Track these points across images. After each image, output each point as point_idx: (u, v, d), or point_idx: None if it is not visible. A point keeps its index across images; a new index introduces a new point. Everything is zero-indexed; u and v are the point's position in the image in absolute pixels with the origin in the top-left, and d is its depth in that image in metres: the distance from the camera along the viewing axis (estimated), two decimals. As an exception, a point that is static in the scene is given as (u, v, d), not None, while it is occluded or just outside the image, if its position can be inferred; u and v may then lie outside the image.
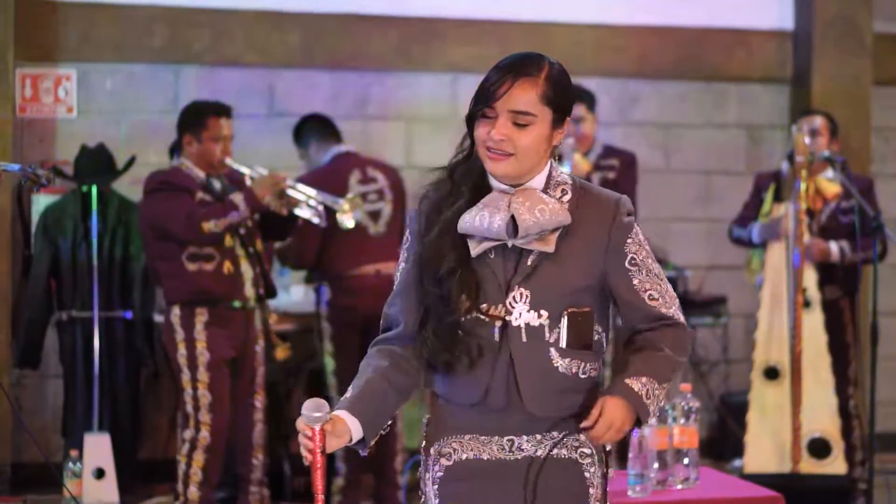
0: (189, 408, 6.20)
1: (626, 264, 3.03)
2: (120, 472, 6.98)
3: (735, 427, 7.81)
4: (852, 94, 8.50)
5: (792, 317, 6.56)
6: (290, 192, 6.37)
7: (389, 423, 3.11)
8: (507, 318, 2.97)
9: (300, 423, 2.90)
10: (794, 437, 6.52)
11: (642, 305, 3.04)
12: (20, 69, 7.55)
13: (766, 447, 6.58)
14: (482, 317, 2.98)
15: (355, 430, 2.99)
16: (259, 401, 6.49)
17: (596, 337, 3.04)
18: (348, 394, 3.04)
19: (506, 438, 3.02)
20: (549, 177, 3.05)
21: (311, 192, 6.50)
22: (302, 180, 6.72)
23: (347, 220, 6.64)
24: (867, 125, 8.57)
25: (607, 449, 3.13)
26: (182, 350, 6.20)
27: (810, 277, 6.68)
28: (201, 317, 6.20)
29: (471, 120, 3.04)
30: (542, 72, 2.98)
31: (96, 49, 7.83)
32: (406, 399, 3.13)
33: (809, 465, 6.54)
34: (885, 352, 7.38)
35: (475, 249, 2.98)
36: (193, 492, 6.18)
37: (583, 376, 3.02)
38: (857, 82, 8.56)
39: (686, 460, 4.62)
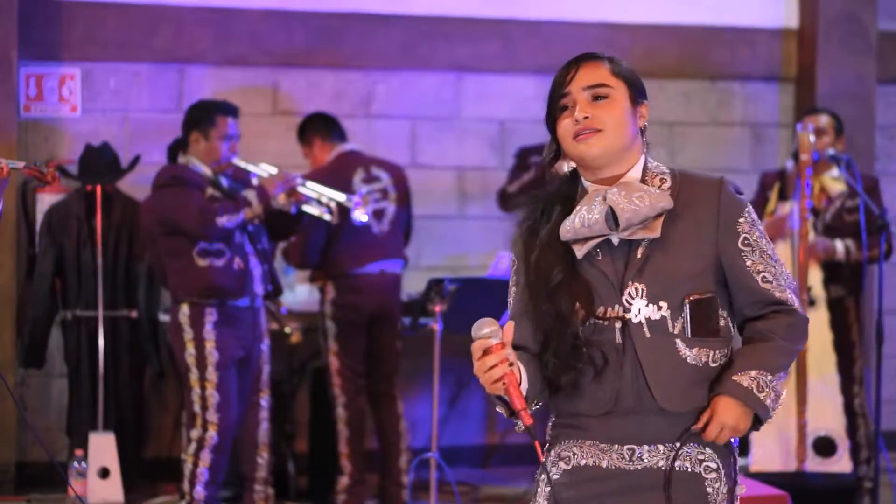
0: (197, 407, 6.20)
1: (740, 244, 2.94)
2: (125, 471, 6.99)
3: (740, 426, 7.80)
4: (857, 92, 8.49)
5: (797, 315, 6.54)
6: (301, 189, 6.39)
7: (539, 403, 2.99)
8: (626, 315, 2.88)
9: (477, 345, 2.75)
10: (800, 435, 6.51)
11: (755, 287, 2.94)
12: (24, 68, 7.55)
13: (771, 446, 6.57)
14: (601, 321, 2.90)
15: (524, 379, 2.85)
16: (264, 400, 6.49)
17: (722, 322, 2.95)
18: None
19: (626, 447, 2.93)
20: (645, 168, 3.00)
21: (322, 189, 6.51)
22: (306, 179, 6.73)
23: (361, 216, 6.66)
24: (872, 123, 8.56)
25: (734, 461, 3.02)
26: (191, 349, 6.19)
27: (815, 276, 6.68)
28: (210, 316, 6.20)
29: (552, 123, 3.01)
30: (604, 57, 3.02)
31: (100, 48, 7.83)
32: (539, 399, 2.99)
33: (815, 464, 6.54)
34: (890, 350, 7.39)
35: (581, 251, 2.91)
36: (199, 491, 6.18)
37: (713, 365, 2.92)
38: (862, 81, 8.55)
39: (692, 459, 4.61)
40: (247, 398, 6.40)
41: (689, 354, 2.90)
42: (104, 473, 6.86)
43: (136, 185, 7.51)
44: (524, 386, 2.84)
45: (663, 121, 8.53)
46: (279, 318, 6.82)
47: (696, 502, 2.93)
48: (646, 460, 2.92)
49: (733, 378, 2.89)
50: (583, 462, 2.96)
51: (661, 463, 2.92)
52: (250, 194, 6.20)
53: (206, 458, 6.19)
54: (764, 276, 2.94)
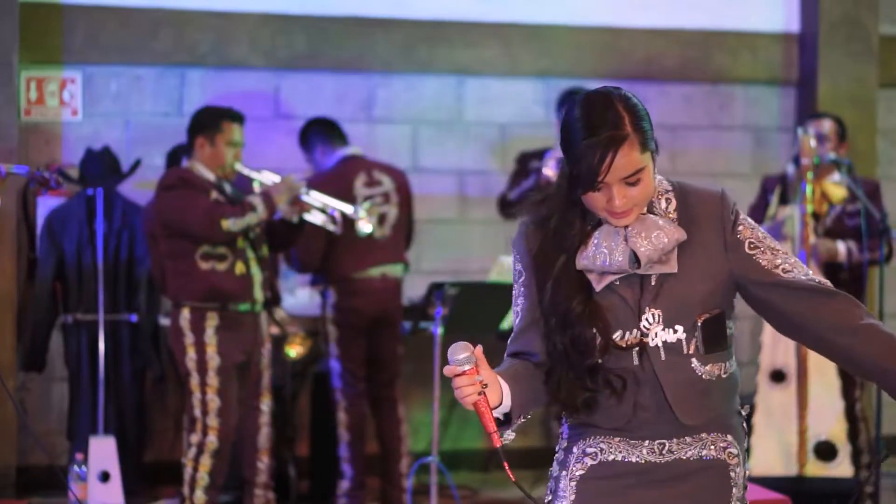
0: (197, 412, 6.20)
1: (747, 250, 2.99)
2: (125, 475, 6.97)
3: (741, 430, 7.80)
4: (858, 96, 8.49)
5: (798, 320, 6.53)
6: (305, 198, 6.39)
7: (529, 414, 3.01)
8: (645, 340, 2.95)
9: (448, 369, 2.84)
10: (801, 439, 6.51)
11: (783, 281, 2.97)
12: (25, 72, 7.55)
13: (772, 450, 6.57)
14: (618, 349, 2.95)
15: (506, 396, 2.90)
16: (265, 404, 6.49)
17: (728, 332, 3.03)
18: (499, 369, 2.97)
19: (657, 442, 3.00)
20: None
21: (326, 198, 6.52)
22: (308, 183, 6.74)
23: (365, 226, 6.67)
24: (873, 127, 8.56)
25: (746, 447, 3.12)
26: (192, 354, 6.19)
27: (816, 280, 6.66)
28: (212, 321, 6.20)
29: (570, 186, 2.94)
30: (626, 123, 2.89)
31: (101, 52, 7.83)
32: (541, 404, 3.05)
33: (815, 468, 6.53)
34: (892, 354, 7.36)
35: (599, 284, 2.95)
36: (200, 496, 6.18)
37: (724, 376, 3.01)
38: (863, 84, 8.55)
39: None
40: (246, 403, 6.40)
41: (704, 371, 2.98)
42: (105, 477, 6.85)
43: (137, 189, 7.52)
44: (506, 402, 2.89)
45: (664, 124, 8.52)
46: (284, 326, 6.82)
47: (721, 487, 3.04)
48: (675, 452, 3.01)
49: None
50: (611, 457, 3.02)
51: (690, 452, 3.01)
52: (256, 200, 6.22)
53: (206, 462, 6.19)
54: (784, 268, 2.99)
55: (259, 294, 6.35)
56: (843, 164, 6.65)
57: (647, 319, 2.95)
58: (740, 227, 3.00)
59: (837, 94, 8.43)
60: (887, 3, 8.72)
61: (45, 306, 7.36)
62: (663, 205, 2.99)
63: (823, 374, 6.60)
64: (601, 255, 2.94)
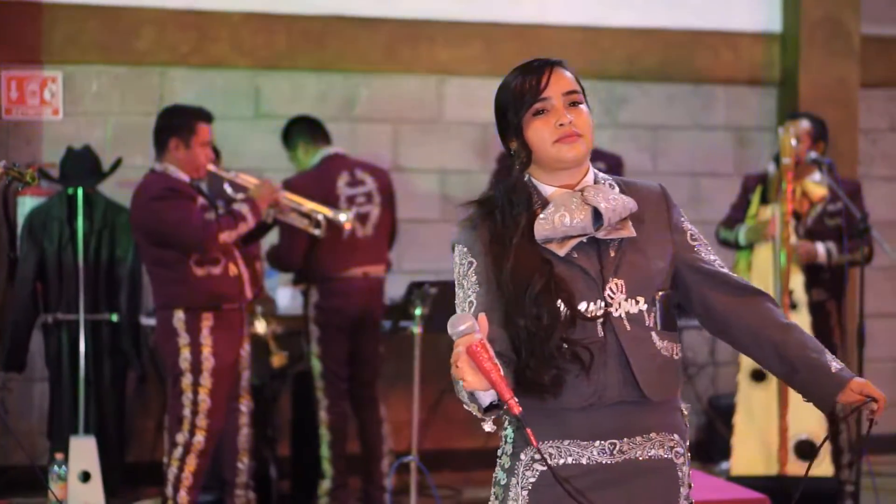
0: (187, 411, 6.16)
1: (689, 240, 3.12)
2: (106, 475, 6.96)
3: (722, 429, 7.82)
4: (839, 96, 8.51)
5: (779, 319, 6.54)
6: (284, 200, 6.38)
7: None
8: (609, 310, 2.96)
9: (463, 340, 2.72)
10: (781, 439, 6.52)
11: (720, 274, 3.10)
12: (5, 71, 7.52)
13: (753, 449, 6.57)
14: (583, 319, 2.94)
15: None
16: (245, 405, 6.47)
17: (676, 316, 3.09)
18: None
19: (608, 442, 2.98)
20: (595, 174, 3.10)
21: (306, 201, 6.51)
22: (291, 182, 6.73)
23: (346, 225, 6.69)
24: (854, 127, 8.58)
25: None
26: (186, 354, 6.13)
27: (797, 280, 6.68)
28: (207, 321, 6.15)
29: (514, 131, 3.02)
30: (566, 64, 3.07)
31: (82, 51, 7.82)
32: None
33: (796, 468, 6.54)
34: (872, 354, 7.39)
35: (563, 249, 2.96)
36: (183, 496, 6.16)
37: (676, 358, 3.04)
38: (845, 84, 8.57)
39: (672, 463, 4.60)
40: (226, 403, 6.38)
41: (662, 346, 3.01)
42: (85, 477, 6.84)
43: (118, 188, 7.50)
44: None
45: (646, 124, 8.54)
46: (270, 338, 6.80)
47: (670, 486, 3.03)
48: (626, 452, 2.99)
49: (844, 371, 3.10)
50: (561, 461, 2.98)
51: (639, 453, 3.00)
52: (244, 209, 6.17)
53: (192, 462, 6.17)
54: (719, 263, 3.13)
55: (248, 292, 6.34)
56: (823, 163, 6.66)
57: (610, 289, 2.97)
58: (683, 219, 3.14)
59: (819, 93, 8.44)
60: (868, 3, 8.74)
61: (25, 306, 7.34)
62: (608, 188, 3.05)
63: (804, 373, 6.60)
64: (561, 217, 2.96)
